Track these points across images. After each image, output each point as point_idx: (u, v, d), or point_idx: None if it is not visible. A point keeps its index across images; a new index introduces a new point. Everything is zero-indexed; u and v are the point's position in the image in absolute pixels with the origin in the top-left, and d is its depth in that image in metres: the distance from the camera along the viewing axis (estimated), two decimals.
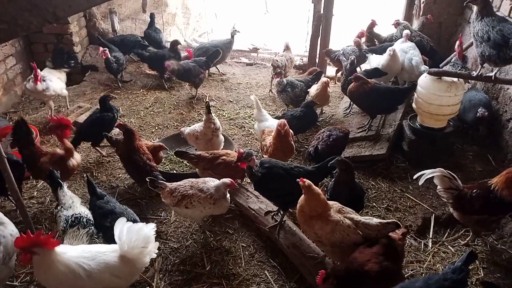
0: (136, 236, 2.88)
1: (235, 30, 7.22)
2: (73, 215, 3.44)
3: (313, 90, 5.65)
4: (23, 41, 6.79)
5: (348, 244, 3.14)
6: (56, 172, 3.83)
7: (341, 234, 3.11)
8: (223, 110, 6.34)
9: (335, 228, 3.12)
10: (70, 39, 7.11)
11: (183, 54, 7.09)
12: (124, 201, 4.47)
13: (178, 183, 3.85)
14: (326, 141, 4.42)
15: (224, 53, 7.20)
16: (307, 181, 3.18)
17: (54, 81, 5.81)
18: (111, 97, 5.65)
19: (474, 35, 3.96)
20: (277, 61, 6.64)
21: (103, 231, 3.45)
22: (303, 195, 3.23)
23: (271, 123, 4.87)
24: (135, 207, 4.39)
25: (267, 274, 3.63)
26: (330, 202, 3.31)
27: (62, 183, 3.73)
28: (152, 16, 7.69)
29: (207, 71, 6.67)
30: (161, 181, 3.84)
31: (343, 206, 3.30)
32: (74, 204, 3.57)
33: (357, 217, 3.21)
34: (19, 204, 3.79)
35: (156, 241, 3.12)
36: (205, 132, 4.71)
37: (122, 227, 2.91)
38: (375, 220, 3.17)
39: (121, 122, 4.49)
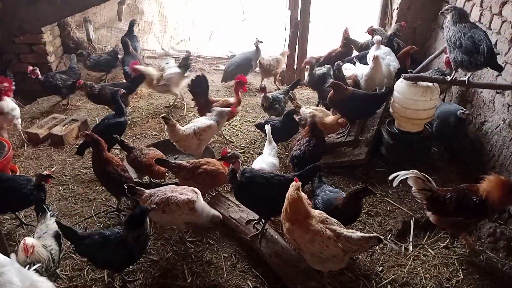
0: None
1: (258, 41, 7.10)
2: None
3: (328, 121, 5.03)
4: None
5: (327, 255, 3.13)
6: (43, 193, 3.69)
7: (320, 245, 3.10)
8: None
9: (314, 238, 3.10)
10: (43, 48, 6.95)
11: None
12: (102, 214, 4.38)
13: (159, 188, 3.80)
14: (308, 146, 4.48)
15: (253, 64, 7.21)
16: (298, 183, 3.21)
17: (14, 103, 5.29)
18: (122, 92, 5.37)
19: (447, 41, 4.06)
20: (263, 58, 6.88)
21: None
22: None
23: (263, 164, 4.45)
24: (113, 220, 4.30)
25: (250, 284, 3.60)
26: (315, 212, 3.30)
27: (46, 209, 3.58)
28: (131, 23, 7.52)
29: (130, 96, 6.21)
30: (139, 188, 3.76)
31: (328, 217, 3.27)
32: (45, 235, 3.37)
33: (340, 229, 3.17)
34: None
35: None
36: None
37: None
38: (357, 234, 3.13)
39: (87, 132, 4.39)
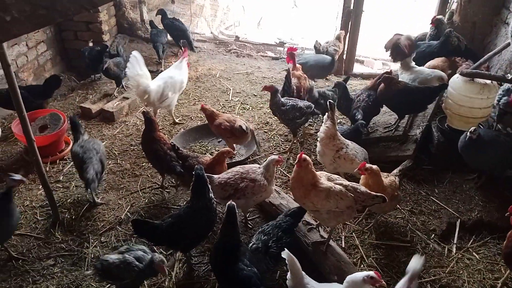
0: None
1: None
2: None
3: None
4: (53, 28, 6.91)
5: (341, 208, 3.30)
6: None
7: (335, 199, 3.27)
8: (247, 104, 6.32)
9: (329, 194, 3.27)
10: (99, 27, 7.21)
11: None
12: (147, 189, 4.54)
13: (227, 175, 3.79)
14: (368, 101, 4.77)
15: None
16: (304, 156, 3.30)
17: None
18: None
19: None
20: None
21: None
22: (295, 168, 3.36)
23: None
24: (157, 196, 4.45)
25: (285, 270, 3.61)
26: (318, 172, 3.43)
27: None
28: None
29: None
30: (210, 175, 3.71)
31: (331, 174, 3.50)
32: None
33: (345, 182, 3.41)
34: (46, 189, 3.89)
35: None
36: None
37: None
38: (362, 188, 3.40)
39: (145, 110, 4.57)
